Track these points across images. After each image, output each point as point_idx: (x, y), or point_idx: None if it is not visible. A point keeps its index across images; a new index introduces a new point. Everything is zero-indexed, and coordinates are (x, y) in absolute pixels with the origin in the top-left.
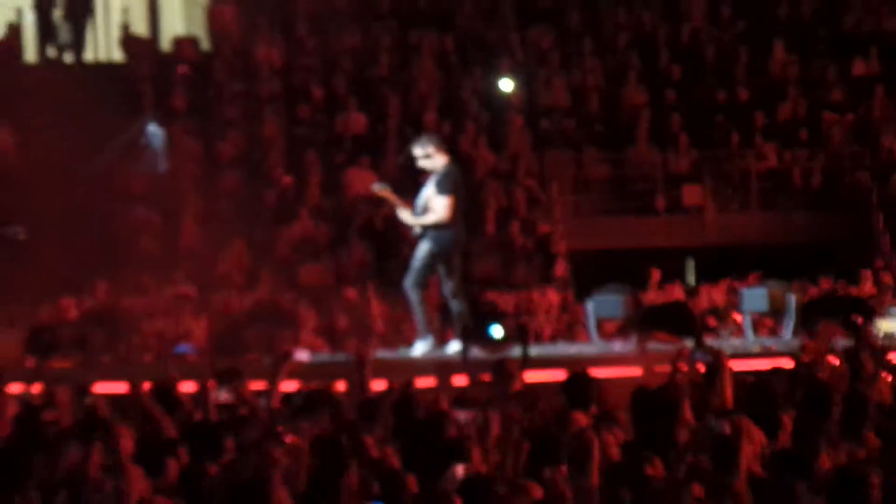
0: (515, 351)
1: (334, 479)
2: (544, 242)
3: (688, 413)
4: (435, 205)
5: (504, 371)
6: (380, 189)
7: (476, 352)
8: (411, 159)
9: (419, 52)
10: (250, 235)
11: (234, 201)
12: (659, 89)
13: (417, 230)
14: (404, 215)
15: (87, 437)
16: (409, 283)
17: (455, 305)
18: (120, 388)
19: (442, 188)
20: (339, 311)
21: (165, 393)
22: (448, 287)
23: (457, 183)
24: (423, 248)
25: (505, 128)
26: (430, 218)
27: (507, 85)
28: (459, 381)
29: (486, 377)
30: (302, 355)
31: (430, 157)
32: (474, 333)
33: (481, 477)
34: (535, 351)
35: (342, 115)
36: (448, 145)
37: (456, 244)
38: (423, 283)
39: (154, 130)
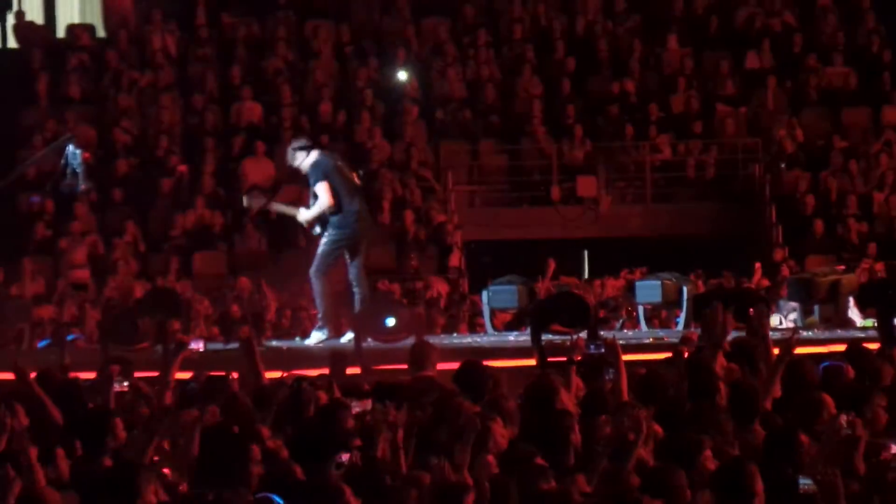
0: (409, 341)
1: (225, 470)
2: (439, 232)
3: (572, 405)
4: (316, 194)
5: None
6: (251, 202)
7: (370, 342)
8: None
9: (315, 42)
10: (145, 223)
11: (128, 189)
12: (554, 81)
13: (317, 229)
14: (299, 215)
15: None
16: (312, 270)
17: (359, 292)
18: (6, 375)
19: (314, 178)
20: (232, 301)
21: (53, 381)
22: (353, 272)
23: (328, 168)
24: (327, 235)
25: (400, 118)
26: (315, 209)
27: (402, 75)
28: (353, 370)
29: (379, 367)
30: (196, 344)
31: (301, 160)
32: (369, 323)
33: (369, 465)
34: (431, 341)
35: (237, 105)
36: (339, 134)
37: (358, 228)
38: (325, 271)
39: (73, 151)
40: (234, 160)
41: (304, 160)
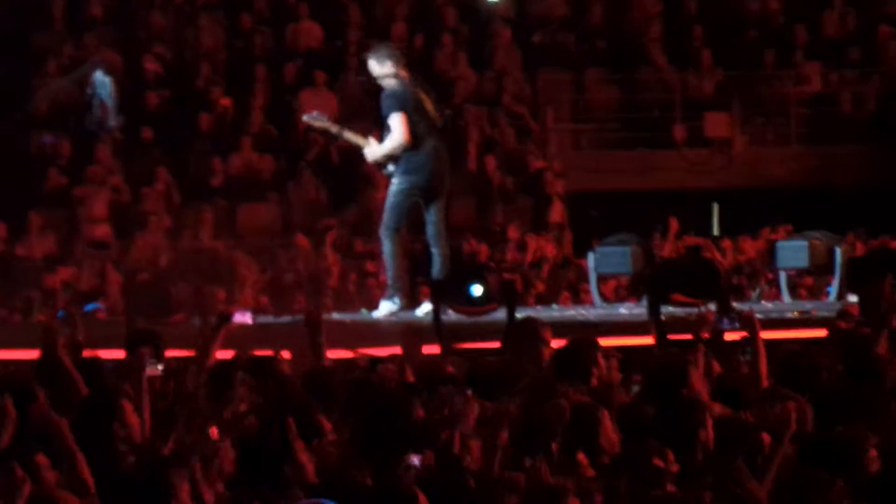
0: (498, 314)
1: (273, 468)
2: (536, 181)
3: (705, 394)
4: (390, 126)
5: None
6: (314, 120)
7: (451, 314)
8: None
9: None
10: (180, 169)
11: (160, 127)
12: None
13: (390, 168)
14: (366, 149)
15: None
16: (381, 226)
17: (437, 252)
18: (11, 354)
19: (389, 107)
20: (286, 264)
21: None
22: (430, 228)
23: (406, 99)
24: (395, 183)
25: (489, 42)
26: (387, 143)
27: None
28: (431, 349)
29: (462, 345)
30: (241, 317)
31: (387, 76)
32: (450, 292)
33: (448, 467)
34: (523, 315)
35: (293, 25)
36: (416, 62)
37: (436, 173)
38: (397, 227)
39: (102, 79)
40: (289, 92)
41: (380, 72)
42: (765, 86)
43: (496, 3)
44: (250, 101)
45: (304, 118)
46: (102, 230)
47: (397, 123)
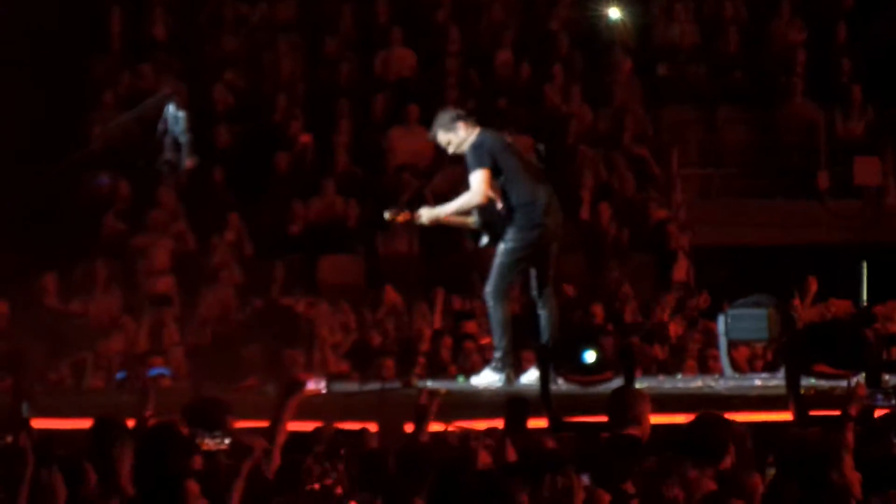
0: (614, 383)
1: None
2: (660, 234)
3: (853, 480)
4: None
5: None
6: (395, 216)
7: (561, 383)
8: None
9: None
10: (253, 215)
11: (231, 167)
12: (825, 22)
13: (484, 240)
14: (470, 220)
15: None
16: (488, 288)
17: (545, 313)
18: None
19: (472, 162)
20: (373, 323)
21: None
22: (537, 287)
23: (495, 149)
24: (508, 240)
25: (608, 74)
26: (461, 201)
27: (612, 14)
28: (537, 422)
29: (573, 418)
30: (316, 384)
31: (453, 140)
32: (559, 357)
33: None
34: (644, 384)
35: (384, 52)
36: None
37: (551, 228)
38: (506, 290)
39: (175, 114)
40: (378, 129)
41: (458, 140)
42: None
43: (616, 26)
44: (333, 139)
45: (387, 215)
46: (165, 283)
47: (478, 181)
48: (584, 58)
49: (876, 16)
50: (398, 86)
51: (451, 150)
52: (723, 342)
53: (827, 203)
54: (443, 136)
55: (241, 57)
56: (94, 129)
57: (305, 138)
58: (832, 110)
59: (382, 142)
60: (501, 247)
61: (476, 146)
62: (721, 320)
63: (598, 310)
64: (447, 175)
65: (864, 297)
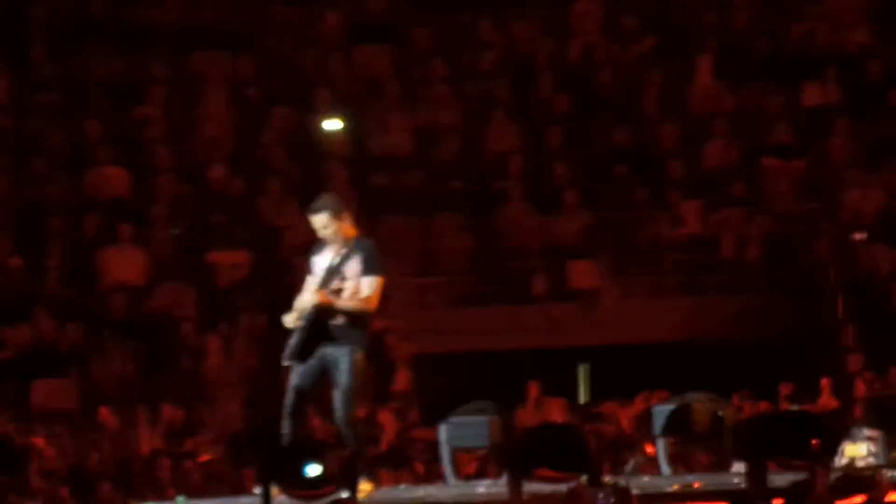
0: (339, 496)
1: None
2: (378, 344)
3: None
4: (364, 287)
5: None
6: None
7: (284, 500)
8: (189, 229)
9: (203, 82)
10: None
11: None
12: (538, 129)
13: (338, 322)
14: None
15: None
16: (339, 413)
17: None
18: None
19: (374, 266)
20: (90, 445)
21: None
22: (343, 410)
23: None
24: (346, 360)
25: (324, 185)
26: (356, 304)
27: (327, 125)
28: None
29: None
30: None
31: (333, 230)
32: (282, 472)
33: None
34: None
35: (94, 171)
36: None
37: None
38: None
39: None
40: (89, 249)
41: (339, 230)
42: (637, 229)
43: (331, 138)
44: (42, 261)
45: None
46: None
47: (378, 288)
48: (301, 169)
49: (589, 120)
50: (109, 205)
51: (325, 234)
52: (445, 450)
53: (544, 307)
54: (327, 220)
55: None
56: None
57: (14, 261)
58: (548, 215)
59: (94, 262)
60: (343, 363)
61: (377, 251)
62: (443, 428)
63: (318, 424)
64: (163, 291)
65: (584, 397)
